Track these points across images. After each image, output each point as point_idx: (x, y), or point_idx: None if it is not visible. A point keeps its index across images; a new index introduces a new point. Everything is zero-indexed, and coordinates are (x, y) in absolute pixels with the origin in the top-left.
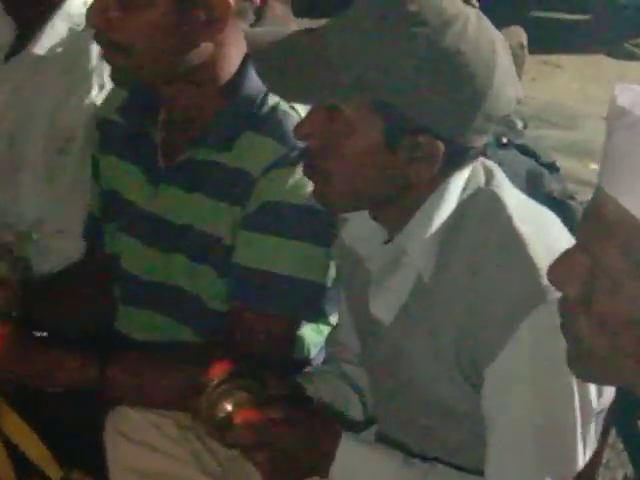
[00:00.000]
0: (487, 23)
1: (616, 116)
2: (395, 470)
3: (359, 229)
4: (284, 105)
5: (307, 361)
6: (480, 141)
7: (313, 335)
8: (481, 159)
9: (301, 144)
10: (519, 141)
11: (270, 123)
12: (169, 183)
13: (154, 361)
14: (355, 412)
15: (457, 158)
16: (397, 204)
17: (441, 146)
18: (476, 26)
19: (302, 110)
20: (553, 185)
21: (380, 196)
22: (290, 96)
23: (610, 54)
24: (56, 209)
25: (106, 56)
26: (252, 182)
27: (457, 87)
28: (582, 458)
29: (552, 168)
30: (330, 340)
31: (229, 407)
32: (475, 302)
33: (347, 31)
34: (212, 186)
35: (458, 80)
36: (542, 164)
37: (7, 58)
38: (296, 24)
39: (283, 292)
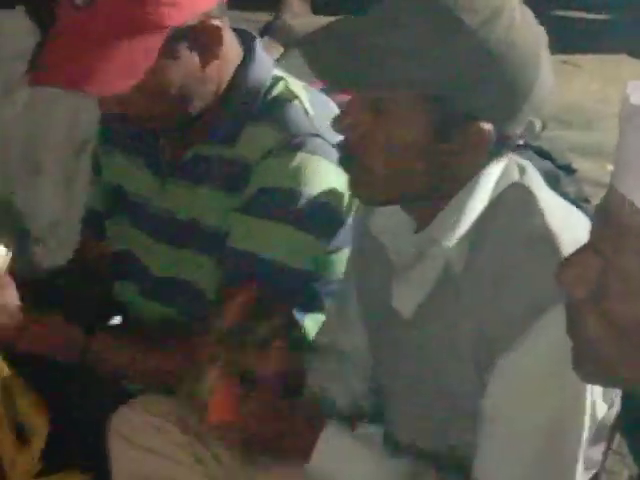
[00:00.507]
0: (529, 12)
1: (629, 115)
2: (376, 461)
3: (387, 220)
4: (287, 95)
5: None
6: (519, 131)
7: (311, 323)
8: (513, 155)
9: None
10: (535, 143)
11: (271, 113)
12: (175, 177)
13: (137, 338)
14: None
15: (499, 148)
16: (431, 195)
17: (491, 136)
18: (522, 15)
19: (306, 101)
20: (569, 187)
21: (422, 189)
22: (340, 83)
23: (631, 54)
24: (72, 212)
25: None
26: (250, 169)
27: (509, 76)
28: (581, 472)
29: (568, 170)
30: (325, 331)
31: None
32: (500, 294)
33: (395, 24)
34: (217, 179)
35: (510, 69)
36: (558, 166)
37: (31, 64)
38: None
39: (269, 276)
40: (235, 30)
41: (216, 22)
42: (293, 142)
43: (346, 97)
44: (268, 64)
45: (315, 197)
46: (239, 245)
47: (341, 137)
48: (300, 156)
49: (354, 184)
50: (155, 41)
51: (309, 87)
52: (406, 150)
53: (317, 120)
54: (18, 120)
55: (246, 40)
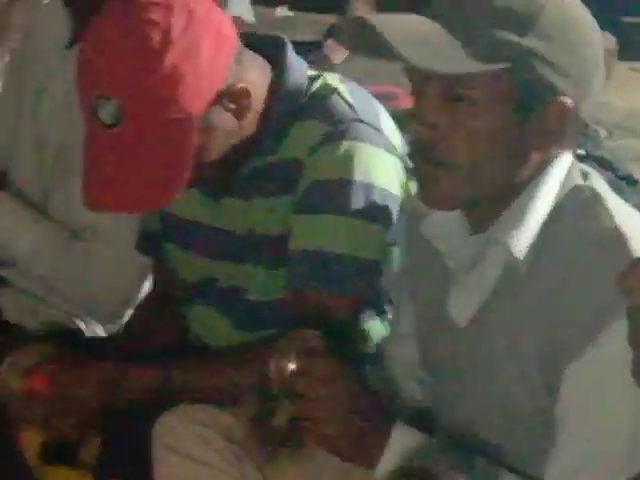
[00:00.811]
0: None
1: None
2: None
3: (441, 224)
4: (325, 90)
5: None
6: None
7: (377, 328)
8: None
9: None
10: (597, 152)
11: (312, 109)
12: (230, 196)
13: (212, 363)
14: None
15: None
16: (501, 193)
17: (572, 113)
18: None
19: (345, 92)
20: (632, 198)
21: (498, 185)
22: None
23: None
24: (106, 217)
25: None
26: (300, 166)
27: (584, 50)
28: None
29: (630, 181)
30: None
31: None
32: (568, 297)
33: (471, 3)
34: (270, 186)
35: (583, 43)
36: (620, 177)
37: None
38: None
39: (339, 271)
40: (264, 39)
41: (240, 81)
42: (338, 131)
43: (381, 89)
44: (301, 67)
45: (368, 184)
46: (300, 245)
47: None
48: (347, 144)
49: (431, 188)
50: (188, 134)
51: (346, 79)
52: (490, 139)
53: (359, 108)
54: (55, 115)
55: (276, 48)
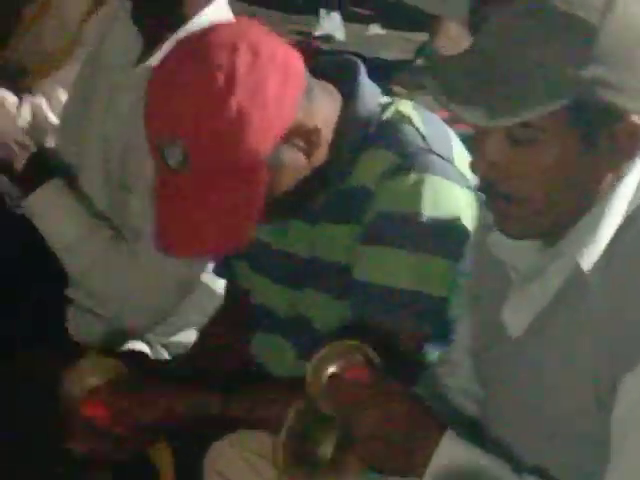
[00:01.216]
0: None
1: None
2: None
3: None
4: (398, 118)
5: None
6: None
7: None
8: None
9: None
10: None
11: (383, 137)
12: (298, 220)
13: (274, 392)
14: None
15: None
16: (574, 212)
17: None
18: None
19: (418, 120)
20: None
21: (573, 207)
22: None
23: None
24: None
25: None
26: (369, 195)
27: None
28: None
29: None
30: (441, 360)
31: (334, 368)
32: (633, 309)
33: (519, 43)
34: (336, 212)
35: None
36: None
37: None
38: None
39: (404, 306)
40: (337, 62)
41: (309, 118)
42: (408, 162)
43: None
44: (373, 93)
45: (436, 218)
46: (363, 277)
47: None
48: (417, 176)
49: (506, 221)
50: (257, 176)
51: (419, 107)
52: (558, 172)
53: (431, 138)
54: (120, 128)
55: (349, 71)
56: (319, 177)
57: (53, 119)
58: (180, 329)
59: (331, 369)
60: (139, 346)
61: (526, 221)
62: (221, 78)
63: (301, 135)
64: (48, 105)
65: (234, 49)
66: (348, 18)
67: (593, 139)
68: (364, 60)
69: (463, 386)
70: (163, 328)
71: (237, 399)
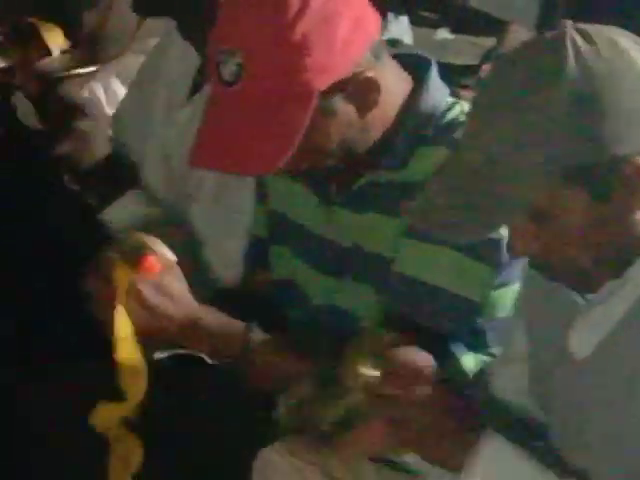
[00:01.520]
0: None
1: None
2: None
3: None
4: (462, 118)
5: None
6: None
7: (470, 362)
8: None
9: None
10: None
11: (445, 135)
12: (342, 206)
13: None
14: None
15: None
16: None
17: None
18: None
19: None
20: None
21: (619, 244)
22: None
23: None
24: (217, 232)
25: None
26: (418, 190)
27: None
28: None
29: None
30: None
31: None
32: None
33: (516, 122)
34: (386, 204)
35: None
36: None
37: (194, 89)
38: None
39: (434, 303)
40: (410, 56)
41: (369, 74)
42: None
43: None
44: (442, 90)
45: None
46: (401, 269)
47: None
48: None
49: (563, 279)
50: (305, 107)
51: None
52: (580, 230)
53: None
54: (179, 140)
55: (421, 65)
56: (372, 159)
57: (108, 110)
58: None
59: (368, 361)
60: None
61: (580, 275)
62: (294, 4)
63: (359, 87)
64: (105, 95)
65: None
66: (416, 22)
67: (607, 192)
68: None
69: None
70: None
71: (259, 342)
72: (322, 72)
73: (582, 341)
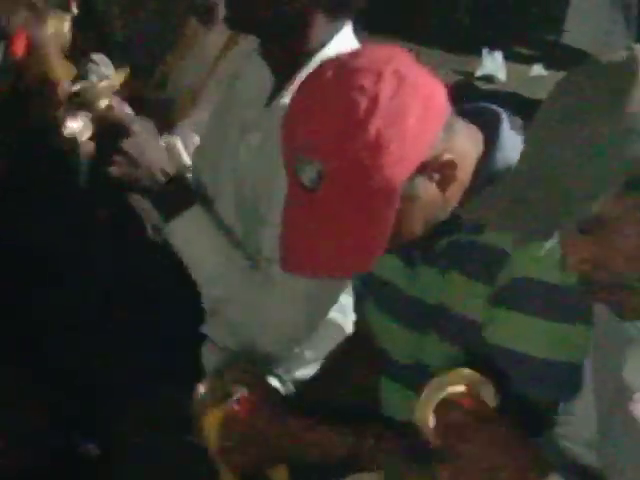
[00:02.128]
0: None
1: None
2: None
3: None
4: None
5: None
6: None
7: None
8: None
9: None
10: None
11: None
12: (426, 265)
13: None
14: None
15: None
16: None
17: None
18: None
19: None
20: None
21: None
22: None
23: None
24: None
25: None
26: (503, 258)
27: None
28: None
29: None
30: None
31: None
32: None
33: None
34: (468, 265)
35: None
36: None
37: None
38: None
39: (536, 374)
40: (481, 109)
41: (446, 156)
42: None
43: None
44: (516, 144)
45: (571, 286)
46: (495, 340)
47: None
48: (553, 244)
49: (620, 310)
50: (390, 203)
51: None
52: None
53: None
54: (250, 164)
55: (492, 121)
56: (452, 219)
57: (187, 160)
58: (306, 363)
59: (441, 395)
60: (271, 382)
61: (636, 301)
62: (364, 102)
63: (437, 168)
64: (183, 147)
65: (379, 74)
66: (510, 58)
67: None
68: (525, 102)
69: (585, 436)
70: (289, 363)
71: (370, 443)
72: (400, 165)
73: (637, 373)
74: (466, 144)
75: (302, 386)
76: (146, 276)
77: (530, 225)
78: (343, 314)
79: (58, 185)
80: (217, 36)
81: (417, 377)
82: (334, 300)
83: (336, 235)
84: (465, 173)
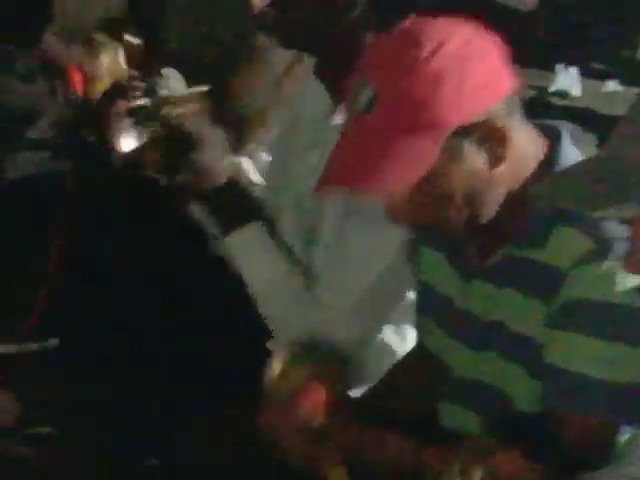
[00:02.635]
0: None
1: None
2: None
3: None
4: None
5: None
6: None
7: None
8: None
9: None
10: None
11: (582, 217)
12: (481, 280)
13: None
14: None
15: None
16: None
17: None
18: None
19: None
20: None
21: None
22: None
23: None
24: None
25: None
26: (561, 277)
27: None
28: None
29: None
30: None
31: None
32: None
33: None
34: (524, 282)
35: None
36: None
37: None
38: None
39: (598, 395)
40: (541, 126)
41: (501, 122)
42: (604, 249)
43: None
44: (575, 160)
45: (632, 307)
46: (555, 361)
47: None
48: (612, 265)
49: None
50: (435, 140)
51: None
52: None
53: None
54: (310, 182)
55: (553, 134)
56: (506, 230)
57: (256, 179)
58: (357, 384)
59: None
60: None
61: None
62: (431, 45)
63: (488, 135)
64: (253, 166)
65: (453, 32)
66: (585, 73)
67: None
68: (599, 117)
69: None
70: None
71: (432, 454)
72: (452, 110)
73: None
74: (524, 137)
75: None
76: (210, 289)
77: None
78: (400, 338)
79: (128, 198)
80: (284, 52)
81: (475, 395)
82: (383, 319)
83: (375, 155)
84: (517, 166)
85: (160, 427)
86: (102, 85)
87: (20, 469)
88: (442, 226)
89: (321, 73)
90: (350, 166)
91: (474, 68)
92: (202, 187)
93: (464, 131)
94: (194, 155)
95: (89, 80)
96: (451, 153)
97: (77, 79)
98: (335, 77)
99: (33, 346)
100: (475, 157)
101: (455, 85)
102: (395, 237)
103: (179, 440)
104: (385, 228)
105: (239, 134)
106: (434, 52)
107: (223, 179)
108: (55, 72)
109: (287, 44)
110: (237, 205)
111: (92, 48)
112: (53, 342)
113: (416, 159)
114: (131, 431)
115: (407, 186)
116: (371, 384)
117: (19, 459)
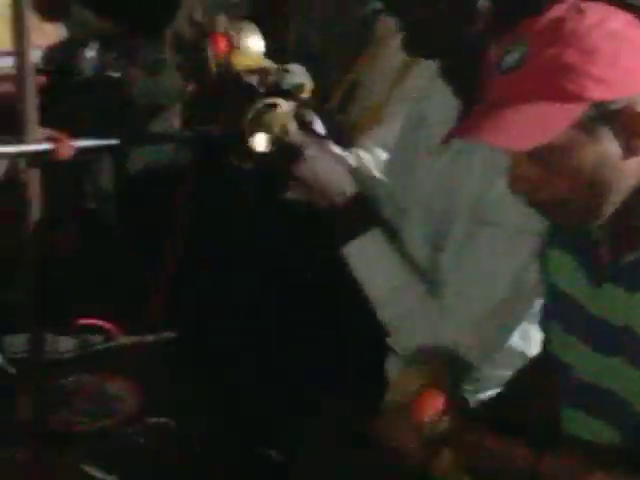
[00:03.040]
0: None
1: None
2: None
3: None
4: None
5: None
6: None
7: None
8: None
9: None
10: None
11: None
12: (612, 283)
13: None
14: None
15: None
16: None
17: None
18: None
19: None
20: None
21: None
22: None
23: None
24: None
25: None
26: None
27: None
28: None
29: None
30: None
31: None
32: None
33: None
34: None
35: None
36: None
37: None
38: None
39: None
40: None
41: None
42: None
43: None
44: None
45: None
46: None
47: None
48: None
49: None
50: (571, 110)
51: None
52: None
53: None
54: (438, 186)
55: None
56: (632, 229)
57: (375, 173)
58: (482, 390)
59: None
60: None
61: None
62: (592, 19)
63: (629, 123)
64: (371, 161)
65: (609, 16)
66: None
67: None
68: None
69: None
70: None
71: (550, 462)
72: (599, 84)
73: None
74: None
75: (482, 406)
76: (327, 288)
77: None
78: (525, 341)
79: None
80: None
81: (599, 401)
82: (510, 326)
83: (513, 111)
84: None
85: (273, 426)
86: (244, 60)
87: (136, 456)
88: (562, 214)
89: (447, 77)
90: (479, 120)
91: (630, 51)
92: (313, 200)
93: (605, 114)
94: (300, 168)
95: (233, 49)
96: (587, 133)
97: (222, 44)
98: (462, 82)
99: (151, 337)
100: (610, 143)
101: (608, 62)
102: (526, 244)
103: (291, 439)
104: (516, 235)
105: (355, 128)
106: (596, 25)
107: (335, 189)
108: (202, 34)
109: (410, 52)
110: (353, 214)
111: (237, 20)
112: (169, 334)
113: (545, 124)
114: (242, 427)
115: (535, 143)
116: (496, 389)
117: (136, 447)
